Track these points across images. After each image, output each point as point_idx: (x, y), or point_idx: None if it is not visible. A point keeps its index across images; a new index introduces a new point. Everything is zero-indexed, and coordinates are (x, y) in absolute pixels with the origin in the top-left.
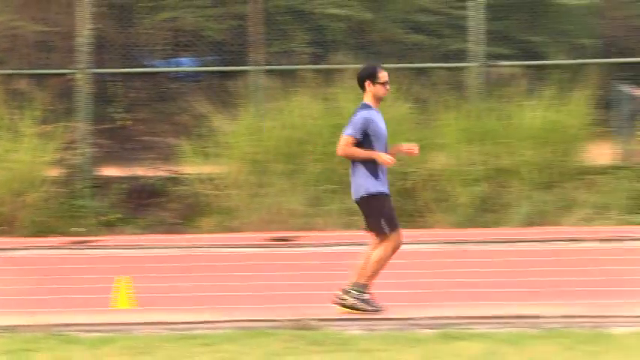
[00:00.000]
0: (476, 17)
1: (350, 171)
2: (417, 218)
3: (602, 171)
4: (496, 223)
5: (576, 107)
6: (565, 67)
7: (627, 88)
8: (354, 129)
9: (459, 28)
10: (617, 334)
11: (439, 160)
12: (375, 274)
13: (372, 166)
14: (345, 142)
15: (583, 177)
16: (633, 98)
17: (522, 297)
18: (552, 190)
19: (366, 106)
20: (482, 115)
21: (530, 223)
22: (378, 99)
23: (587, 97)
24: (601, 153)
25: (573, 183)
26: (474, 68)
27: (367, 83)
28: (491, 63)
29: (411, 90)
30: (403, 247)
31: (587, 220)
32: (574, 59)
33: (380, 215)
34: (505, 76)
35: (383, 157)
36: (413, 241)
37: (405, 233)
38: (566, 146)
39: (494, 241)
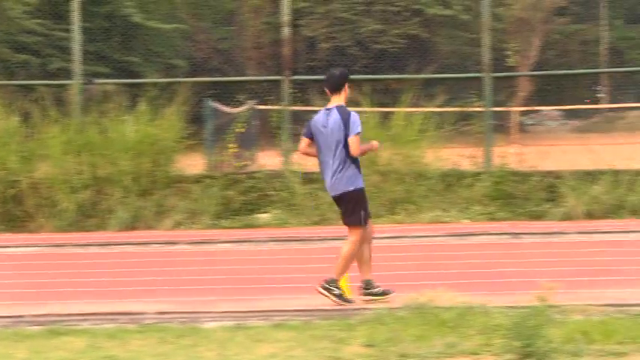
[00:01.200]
0: (76, 39)
1: (332, 167)
2: (23, 223)
3: (194, 180)
4: (98, 227)
5: (169, 122)
6: (158, 85)
7: (214, 105)
8: (359, 127)
9: (62, 49)
10: (208, 329)
11: (44, 170)
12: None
13: (358, 162)
14: (358, 142)
15: (177, 185)
16: (220, 113)
17: (123, 295)
18: (148, 197)
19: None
20: (84, 128)
21: (128, 227)
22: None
23: (178, 112)
24: (193, 163)
25: (167, 191)
26: (75, 85)
27: (346, 86)
28: (90, 80)
29: (18, 105)
30: (10, 250)
31: (180, 225)
32: (167, 78)
33: (362, 208)
34: (104, 93)
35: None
36: (20, 244)
37: (13, 237)
38: (160, 157)
39: (96, 244)
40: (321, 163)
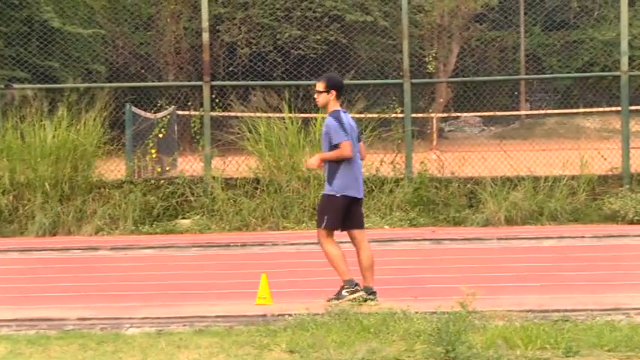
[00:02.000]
0: None
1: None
2: None
3: (115, 185)
4: (18, 233)
5: (89, 127)
6: (78, 90)
7: (134, 110)
8: None
9: None
10: (130, 335)
11: None
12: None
13: None
14: None
15: (97, 191)
16: (141, 119)
17: (43, 301)
18: (69, 202)
19: None
20: (3, 133)
21: (49, 233)
22: None
23: (98, 117)
24: (113, 169)
25: (88, 196)
26: None
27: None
28: (8, 85)
29: None
30: None
31: (101, 230)
32: (86, 83)
33: None
34: (23, 98)
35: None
36: None
37: None
38: (80, 162)
39: (15, 249)
40: (357, 166)
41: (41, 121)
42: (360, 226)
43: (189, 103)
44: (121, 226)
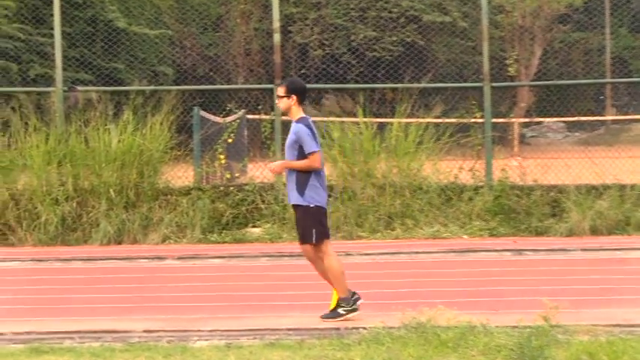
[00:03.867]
0: (58, 44)
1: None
2: (4, 236)
3: (182, 192)
4: (82, 241)
5: (155, 131)
6: (144, 93)
7: (203, 114)
8: None
9: (42, 55)
10: (196, 348)
11: (25, 181)
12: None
13: None
14: None
15: (164, 197)
16: (209, 123)
17: (108, 312)
18: (134, 209)
19: None
20: (66, 137)
21: (114, 241)
22: None
23: (165, 121)
24: (180, 175)
25: (154, 203)
26: (56, 93)
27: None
28: (72, 88)
29: None
30: None
31: (168, 239)
32: (152, 85)
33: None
34: (87, 100)
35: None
36: (1, 258)
37: None
38: (146, 168)
39: (79, 258)
40: (322, 180)
41: (106, 124)
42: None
43: (260, 107)
44: (188, 234)
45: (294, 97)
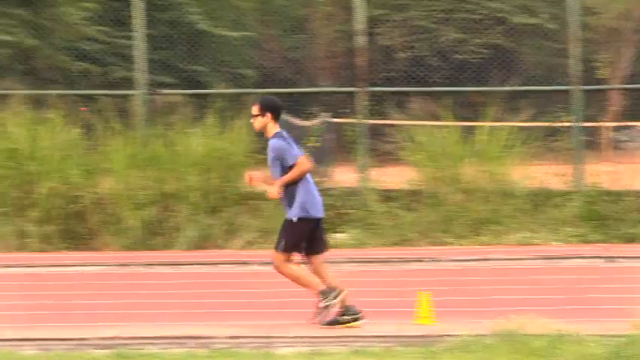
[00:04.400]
0: (139, 46)
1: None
2: (86, 241)
3: (265, 197)
4: (164, 246)
5: (238, 135)
6: (226, 96)
7: (286, 117)
8: None
9: (124, 57)
10: (282, 354)
11: (108, 185)
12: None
13: None
14: None
15: (247, 202)
16: (292, 127)
17: (191, 317)
18: (217, 214)
19: None
20: (149, 141)
21: (196, 246)
22: None
23: (248, 125)
24: None
25: (237, 208)
26: (138, 96)
27: None
28: (154, 91)
29: (79, 116)
30: (73, 269)
31: (251, 244)
32: (234, 89)
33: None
34: (169, 104)
35: None
36: (82, 263)
37: (75, 255)
38: (229, 172)
39: (163, 263)
40: (311, 184)
41: (188, 128)
42: (321, 249)
43: (344, 111)
44: (272, 239)
45: (268, 114)
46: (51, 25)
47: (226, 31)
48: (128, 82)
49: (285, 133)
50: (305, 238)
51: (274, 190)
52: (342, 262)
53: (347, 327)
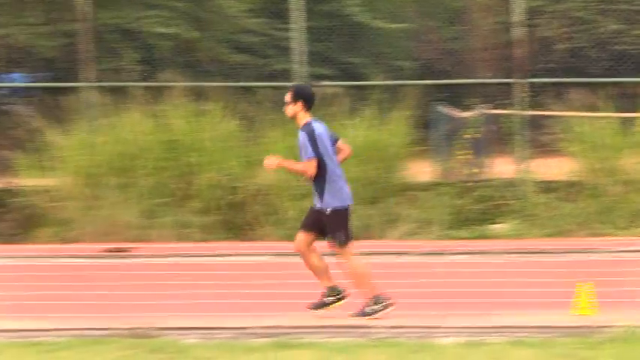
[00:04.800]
0: (298, 39)
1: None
2: (246, 231)
3: (424, 187)
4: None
5: (396, 126)
6: (384, 87)
7: (444, 109)
8: None
9: (283, 49)
10: (442, 345)
11: (267, 176)
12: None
13: None
14: None
15: (405, 193)
16: (450, 118)
17: (350, 308)
18: (376, 205)
19: None
20: None
21: (356, 236)
22: None
23: (406, 116)
24: (422, 170)
25: (396, 198)
26: None
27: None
28: (313, 83)
29: (238, 108)
30: (233, 258)
31: (410, 234)
32: (392, 80)
33: None
34: (327, 96)
35: None
36: (243, 253)
37: (235, 245)
38: (388, 163)
39: (321, 253)
40: (337, 176)
41: (347, 119)
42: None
43: (502, 102)
44: (430, 229)
45: (300, 103)
46: (211, 17)
47: (385, 23)
48: (287, 74)
49: (314, 124)
50: (347, 223)
51: (271, 163)
52: (501, 253)
53: (334, 308)
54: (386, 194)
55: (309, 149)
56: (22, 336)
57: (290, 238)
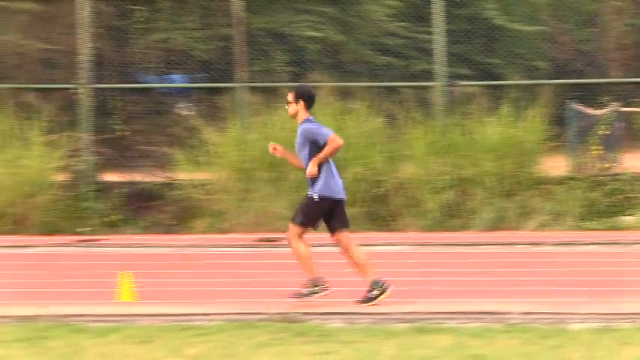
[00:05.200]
0: (439, 41)
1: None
2: (389, 222)
3: (557, 181)
4: (461, 228)
5: (531, 123)
6: (520, 87)
7: (578, 107)
8: None
9: (424, 51)
10: (574, 330)
11: (409, 170)
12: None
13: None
14: None
15: (539, 186)
16: (584, 116)
17: (487, 295)
18: (512, 198)
19: None
20: (447, 129)
21: (492, 227)
22: None
23: (541, 114)
24: (556, 165)
25: (531, 192)
26: (438, 87)
27: None
28: (453, 82)
29: (382, 106)
30: (376, 248)
31: (544, 226)
32: (528, 80)
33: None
34: (467, 94)
35: None
36: (385, 243)
37: (378, 236)
38: (523, 159)
39: (460, 244)
40: (333, 167)
41: (484, 117)
42: (346, 225)
43: (634, 100)
44: (563, 221)
45: (301, 102)
46: (356, 21)
47: (521, 25)
48: (428, 75)
49: (312, 118)
50: (321, 216)
51: (311, 168)
52: (631, 244)
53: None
54: (521, 188)
55: (322, 129)
56: (176, 320)
57: (430, 229)
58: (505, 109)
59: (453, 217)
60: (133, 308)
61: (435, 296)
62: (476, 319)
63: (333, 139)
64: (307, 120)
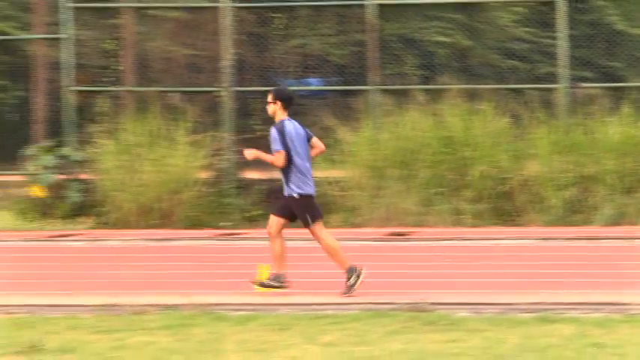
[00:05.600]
0: (563, 45)
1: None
2: (514, 218)
3: None
4: (583, 223)
5: None
6: None
7: None
8: None
9: (548, 55)
10: None
11: (533, 168)
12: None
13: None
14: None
15: None
16: None
17: (608, 286)
18: (632, 194)
19: None
20: (570, 129)
21: (613, 222)
22: None
23: None
24: None
25: None
26: (561, 89)
27: None
28: (576, 84)
29: (508, 107)
30: (503, 241)
31: None
32: None
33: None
34: (589, 96)
35: None
36: (511, 237)
37: (504, 230)
38: None
39: (583, 238)
40: (306, 170)
41: (606, 117)
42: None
43: None
44: None
45: (278, 102)
46: (484, 27)
47: None
48: (552, 77)
49: (287, 122)
50: (312, 206)
51: (250, 154)
52: None
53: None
54: None
55: (278, 144)
56: (310, 309)
57: (554, 224)
58: (626, 109)
59: (575, 212)
60: (271, 298)
61: (558, 287)
62: (597, 309)
63: (277, 158)
64: (279, 122)
